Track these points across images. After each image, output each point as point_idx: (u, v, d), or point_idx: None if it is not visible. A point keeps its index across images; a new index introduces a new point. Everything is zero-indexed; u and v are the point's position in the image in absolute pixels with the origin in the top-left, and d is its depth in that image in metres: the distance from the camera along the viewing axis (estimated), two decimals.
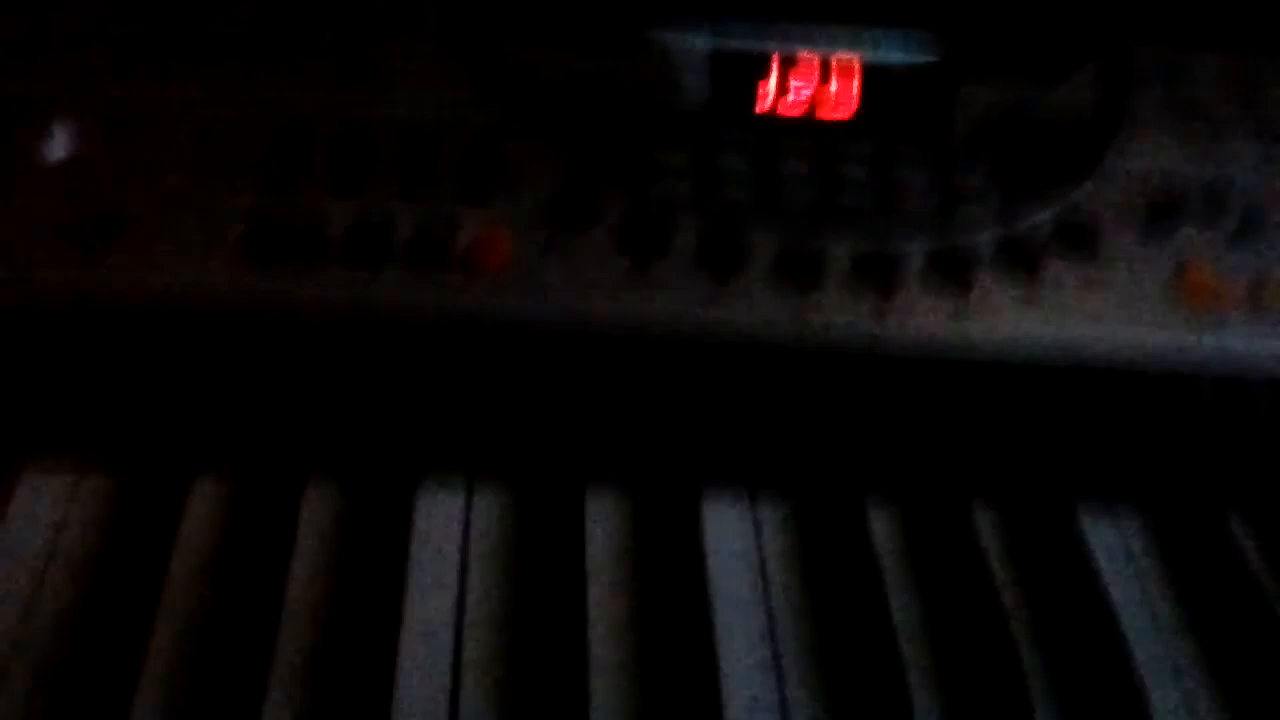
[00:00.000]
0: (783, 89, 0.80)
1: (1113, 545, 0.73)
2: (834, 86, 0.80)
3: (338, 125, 0.73)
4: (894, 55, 0.81)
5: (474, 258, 0.71)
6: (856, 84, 0.80)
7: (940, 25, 0.83)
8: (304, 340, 0.69)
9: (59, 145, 0.71)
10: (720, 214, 0.74)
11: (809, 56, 0.81)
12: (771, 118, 0.79)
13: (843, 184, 0.76)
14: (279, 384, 0.69)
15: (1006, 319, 0.73)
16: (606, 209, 0.73)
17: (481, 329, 0.70)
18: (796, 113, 0.80)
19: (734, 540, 0.70)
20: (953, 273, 0.74)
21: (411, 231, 0.71)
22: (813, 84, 0.80)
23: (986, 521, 0.73)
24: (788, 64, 0.80)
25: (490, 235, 0.71)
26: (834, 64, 0.81)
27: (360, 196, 0.71)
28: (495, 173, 0.73)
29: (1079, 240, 0.76)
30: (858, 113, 0.80)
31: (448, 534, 0.69)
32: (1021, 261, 0.75)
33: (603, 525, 0.70)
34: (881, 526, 0.72)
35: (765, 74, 0.80)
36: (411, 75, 0.76)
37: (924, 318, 0.73)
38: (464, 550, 0.68)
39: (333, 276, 0.69)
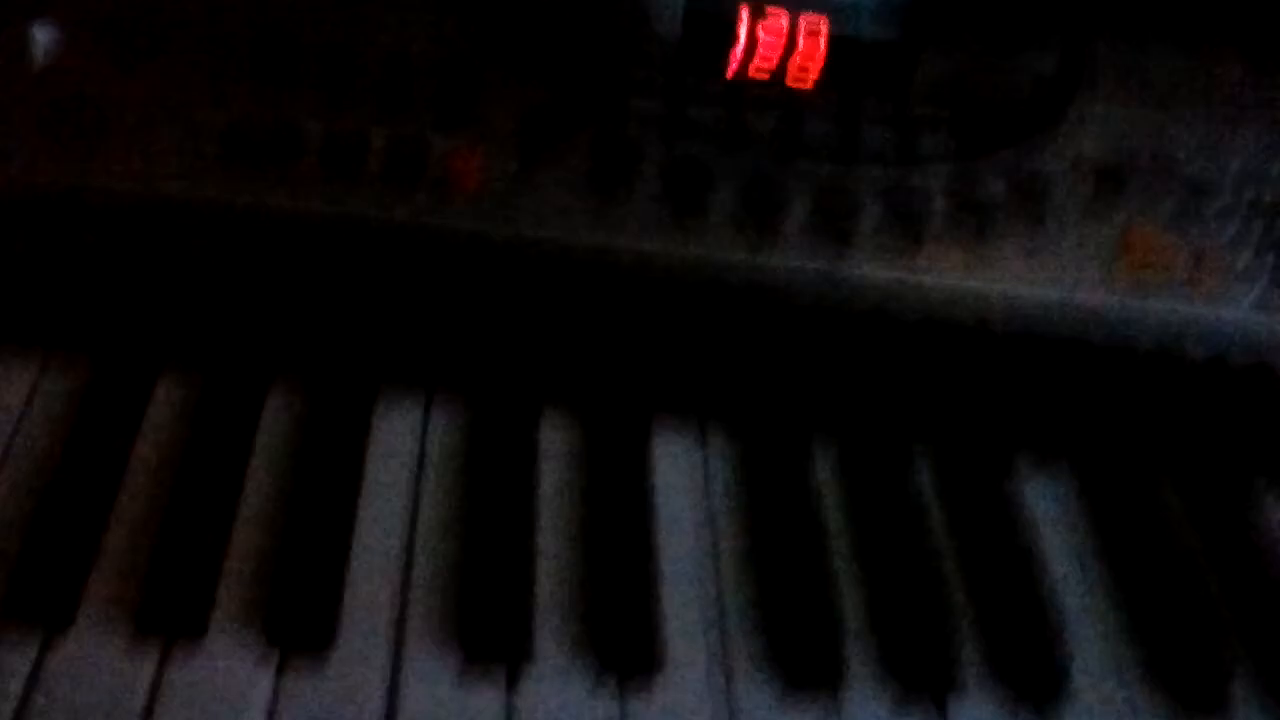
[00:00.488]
0: (751, 46, 0.82)
1: (1046, 499, 0.75)
2: (800, 47, 0.82)
3: (320, 41, 0.74)
4: (860, 20, 0.84)
5: (446, 178, 0.73)
6: (823, 45, 0.83)
7: None
8: (276, 245, 0.70)
9: (45, 46, 0.72)
10: (686, 155, 0.76)
11: (777, 12, 0.83)
12: (740, 75, 0.82)
13: (804, 136, 0.78)
14: (249, 286, 0.71)
15: (956, 272, 0.76)
16: (576, 143, 0.75)
17: (448, 247, 0.72)
18: (766, 67, 0.82)
19: (681, 470, 0.72)
20: (906, 225, 0.76)
21: (386, 147, 0.73)
22: (780, 45, 0.82)
23: (926, 467, 0.75)
24: (757, 15, 0.82)
25: (462, 158, 0.73)
26: (801, 26, 0.83)
27: (339, 111, 0.73)
28: (470, 100, 0.75)
29: (1029, 202, 0.79)
30: (822, 73, 0.82)
31: (404, 443, 0.70)
32: (973, 218, 0.77)
33: (555, 447, 0.72)
34: (825, 466, 0.74)
35: (735, 31, 0.82)
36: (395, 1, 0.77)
37: (877, 267, 0.75)
38: (420, 460, 0.70)
39: (308, 184, 0.71)
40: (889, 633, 0.66)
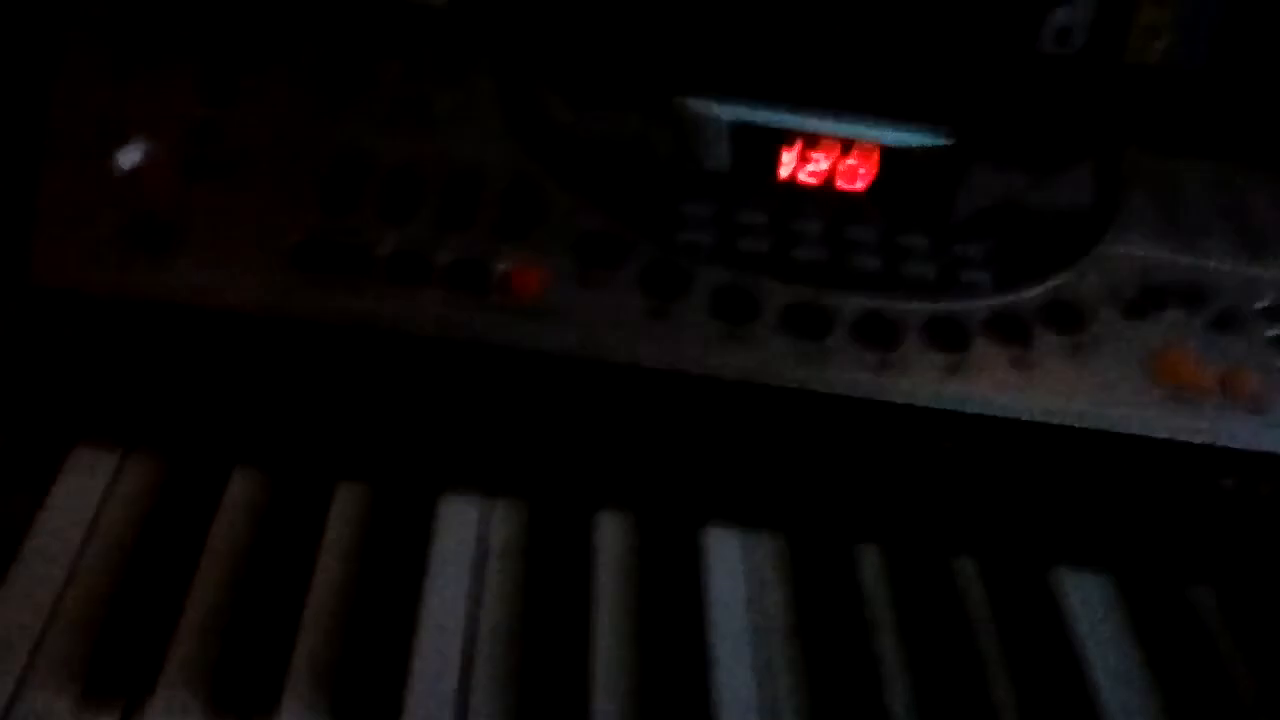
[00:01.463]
0: (803, 160, 0.86)
1: (1086, 601, 0.77)
2: (851, 161, 0.86)
3: (391, 159, 0.79)
4: (909, 139, 0.88)
5: (508, 288, 0.76)
6: (873, 161, 0.87)
7: (951, 117, 0.89)
8: (345, 351, 0.74)
9: (131, 155, 0.76)
10: (737, 265, 0.79)
11: (829, 137, 0.87)
12: (790, 184, 0.86)
13: (852, 247, 0.82)
14: (318, 390, 0.74)
15: (995, 383, 0.78)
16: (633, 253, 0.79)
17: (510, 354, 0.75)
18: (814, 182, 0.86)
19: (731, 569, 0.75)
20: (949, 336, 0.79)
21: (451, 260, 0.76)
22: (831, 159, 0.86)
23: (968, 571, 0.77)
24: (810, 141, 0.86)
25: (524, 269, 0.77)
26: (854, 143, 0.87)
27: (407, 225, 0.77)
28: (532, 214, 0.79)
29: (1066, 318, 0.82)
30: (871, 186, 0.86)
31: (465, 543, 0.73)
32: (1012, 332, 0.80)
33: (611, 546, 0.74)
34: (870, 569, 0.76)
35: (787, 145, 0.86)
36: (461, 121, 0.82)
37: (920, 375, 0.78)
38: (481, 560, 0.72)
39: (376, 294, 0.75)
40: None
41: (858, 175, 0.87)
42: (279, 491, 0.73)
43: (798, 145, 0.87)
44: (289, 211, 0.76)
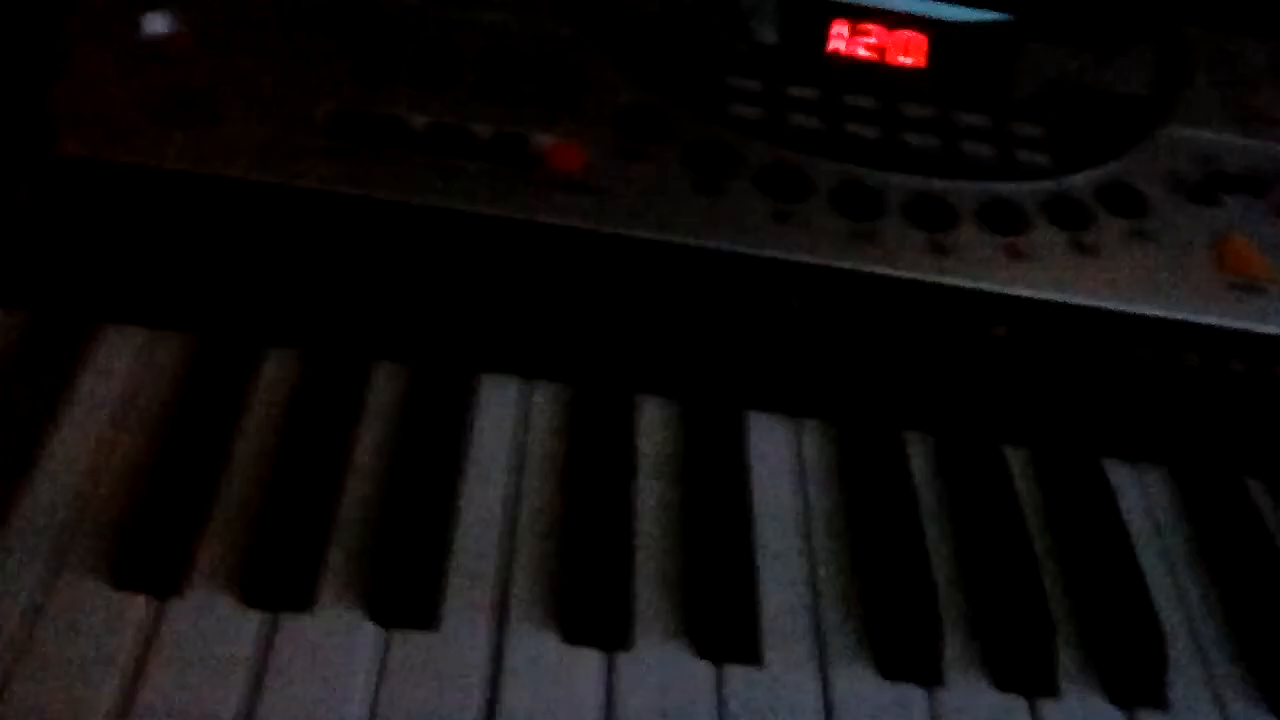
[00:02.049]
0: (854, 35, 0.83)
1: (1140, 493, 0.75)
2: (904, 37, 0.83)
3: (429, 28, 0.76)
4: (963, 15, 0.84)
5: (548, 162, 0.73)
6: (926, 38, 0.83)
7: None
8: (380, 226, 0.71)
9: (157, 34, 0.73)
10: (786, 142, 0.76)
11: (880, 11, 0.84)
12: (841, 59, 0.82)
13: (906, 125, 0.79)
14: (352, 266, 0.71)
15: (1053, 268, 0.76)
16: (678, 129, 0.76)
17: (549, 231, 0.72)
18: (866, 57, 0.83)
19: (776, 458, 0.72)
20: (1005, 219, 0.77)
21: (490, 132, 0.73)
22: (883, 33, 0.83)
23: (1017, 459, 0.75)
24: (861, 15, 0.83)
25: (566, 143, 0.74)
26: (900, 20, 0.84)
27: (443, 96, 0.74)
28: (575, 87, 0.76)
29: (1127, 202, 0.79)
30: (925, 63, 0.83)
31: (505, 426, 0.71)
32: (1071, 216, 0.78)
33: (652, 433, 0.72)
34: (919, 457, 0.74)
35: (837, 18, 0.83)
36: None
37: (975, 258, 0.75)
38: (520, 443, 0.70)
39: (412, 167, 0.72)
40: (987, 628, 0.66)
41: (911, 51, 0.84)
42: (313, 373, 0.70)
43: (848, 19, 0.83)
44: (322, 81, 0.74)
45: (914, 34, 0.84)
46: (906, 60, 0.84)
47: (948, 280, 0.74)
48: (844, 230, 0.75)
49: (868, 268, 0.74)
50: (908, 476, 0.72)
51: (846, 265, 0.74)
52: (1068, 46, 0.86)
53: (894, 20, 0.84)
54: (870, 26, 0.84)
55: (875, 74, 0.83)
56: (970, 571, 0.68)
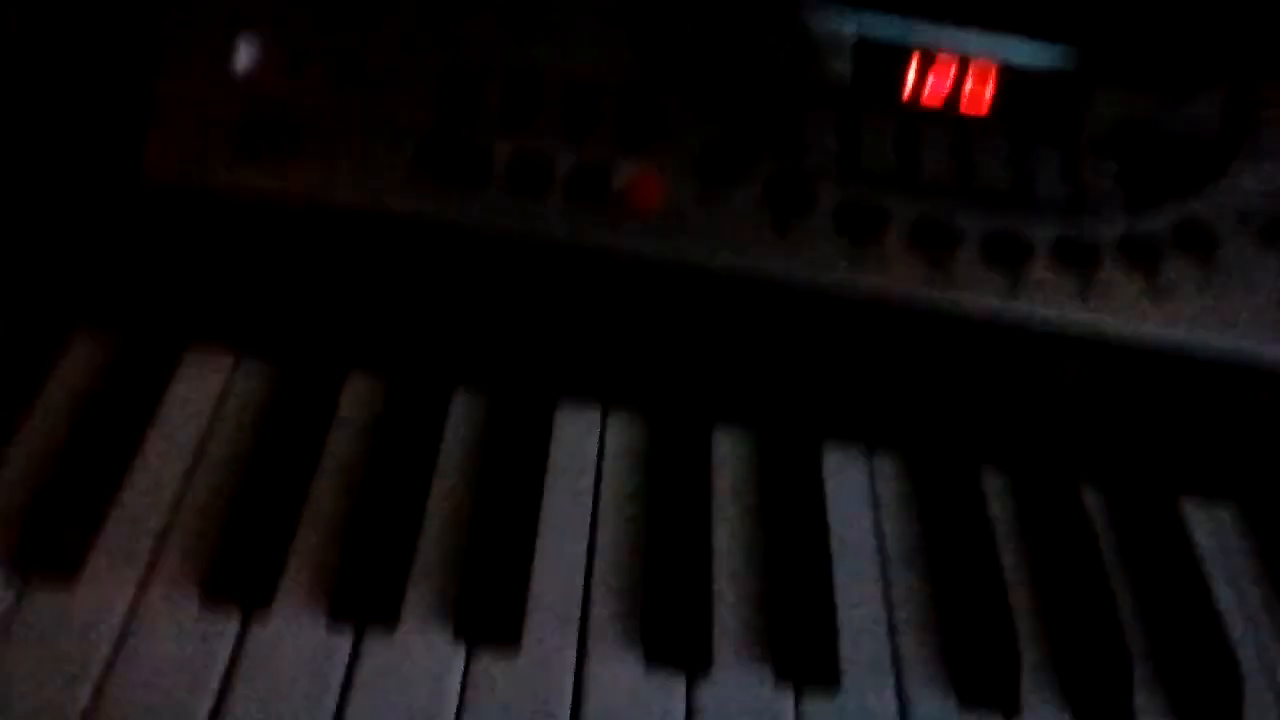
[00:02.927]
0: (922, 80, 0.84)
1: (1213, 532, 0.75)
2: (971, 83, 0.84)
3: (512, 65, 0.77)
4: (1030, 59, 0.85)
5: (628, 199, 0.74)
6: (993, 82, 0.84)
7: (1076, 36, 0.87)
8: (462, 257, 0.72)
9: (248, 59, 0.75)
10: (861, 181, 0.77)
11: (948, 55, 0.85)
12: (912, 105, 0.83)
13: (979, 165, 0.79)
14: (434, 296, 0.72)
15: (1125, 308, 0.76)
16: (754, 169, 0.77)
17: (629, 266, 0.73)
18: (935, 103, 0.84)
19: (852, 489, 0.73)
20: (1077, 260, 0.77)
21: (571, 169, 0.75)
22: (951, 79, 0.84)
23: (1094, 499, 0.75)
24: (928, 59, 0.84)
25: (644, 180, 0.75)
26: (972, 63, 0.85)
27: (527, 132, 0.75)
28: (652, 124, 0.77)
29: (1198, 243, 0.80)
30: (993, 107, 0.84)
31: (585, 451, 0.72)
32: (1143, 256, 0.78)
33: (730, 462, 0.73)
34: (994, 494, 0.74)
35: (907, 65, 0.84)
36: (583, 29, 0.80)
37: (1048, 299, 0.76)
38: (599, 468, 0.71)
39: (495, 201, 0.73)
40: (1066, 659, 0.66)
41: (984, 92, 0.84)
42: (396, 398, 0.71)
43: (921, 61, 0.84)
44: (408, 114, 0.75)
45: (987, 74, 0.85)
46: (980, 99, 0.85)
47: (1020, 315, 0.75)
48: (919, 266, 0.75)
49: (942, 302, 0.75)
50: (984, 510, 0.72)
51: (921, 299, 0.74)
52: (1137, 90, 0.87)
53: (967, 61, 0.85)
54: (944, 67, 0.85)
55: (948, 113, 0.84)
56: (1048, 605, 0.68)
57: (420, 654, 0.61)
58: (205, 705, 0.57)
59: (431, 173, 0.73)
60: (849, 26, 0.84)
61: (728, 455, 0.74)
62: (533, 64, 0.78)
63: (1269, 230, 0.81)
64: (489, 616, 0.62)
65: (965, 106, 0.84)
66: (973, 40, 0.85)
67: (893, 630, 0.67)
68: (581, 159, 0.75)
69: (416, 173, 0.73)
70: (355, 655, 0.61)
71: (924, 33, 0.85)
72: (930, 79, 0.83)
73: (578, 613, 0.64)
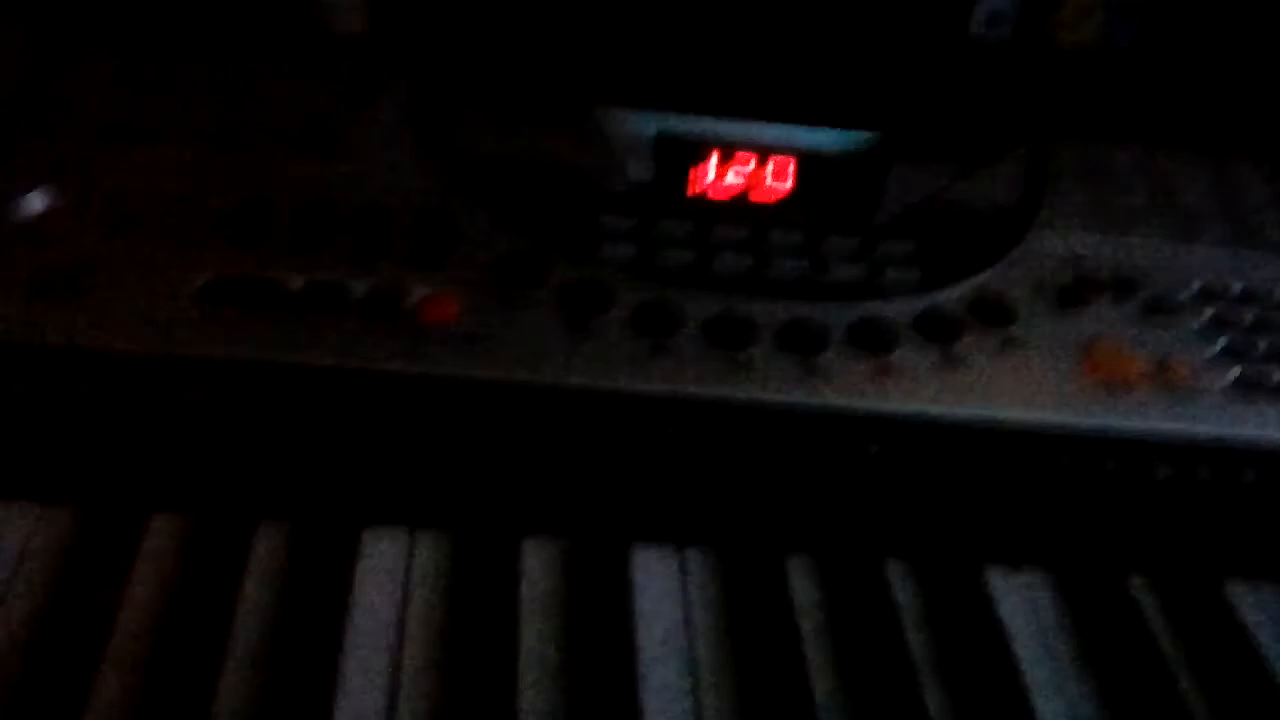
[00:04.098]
0: (724, 169, 0.85)
1: (1022, 601, 0.76)
2: (769, 170, 0.86)
3: (300, 191, 0.78)
4: (827, 145, 0.87)
5: (424, 316, 0.75)
6: (792, 172, 0.86)
7: (874, 116, 0.89)
8: (259, 389, 0.73)
9: (34, 203, 0.75)
10: (658, 280, 0.78)
11: (746, 149, 0.87)
12: (712, 192, 0.85)
13: (774, 255, 0.81)
14: (233, 430, 0.73)
15: (923, 385, 0.78)
16: (551, 273, 0.78)
17: (427, 385, 0.74)
18: (736, 190, 0.86)
19: (661, 589, 0.74)
20: (874, 339, 0.79)
21: (366, 291, 0.75)
22: (752, 166, 0.86)
23: (899, 577, 0.76)
24: (727, 154, 0.86)
25: (440, 295, 0.76)
26: (771, 155, 0.87)
27: (317, 257, 0.76)
28: (447, 238, 0.78)
29: (994, 315, 0.81)
30: (791, 197, 0.85)
31: (390, 577, 0.72)
32: (939, 331, 0.80)
33: (537, 573, 0.73)
34: (801, 580, 0.75)
35: (707, 155, 0.86)
36: (372, 147, 0.81)
37: (846, 380, 0.77)
38: (404, 595, 0.71)
39: (288, 330, 0.73)
40: None
41: (780, 181, 0.86)
42: (198, 535, 0.72)
43: (717, 155, 0.86)
44: (196, 250, 0.76)
45: (783, 162, 0.87)
46: (777, 189, 0.87)
47: (818, 403, 0.76)
48: (717, 361, 0.76)
49: (740, 396, 0.76)
50: (788, 599, 0.73)
51: (720, 395, 0.75)
52: (936, 163, 0.89)
53: (764, 150, 0.87)
54: (741, 157, 0.86)
55: (745, 204, 0.86)
56: (853, 688, 0.69)
57: None
58: None
59: (221, 307, 0.74)
60: (648, 126, 0.85)
61: (536, 567, 0.74)
62: (324, 189, 0.79)
63: (1066, 296, 0.83)
64: None
65: (763, 197, 0.85)
66: (770, 132, 0.87)
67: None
68: (374, 280, 0.76)
69: (206, 308, 0.73)
70: None
71: (723, 128, 0.86)
72: (729, 173, 0.85)
73: None
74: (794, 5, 0.95)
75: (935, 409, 0.77)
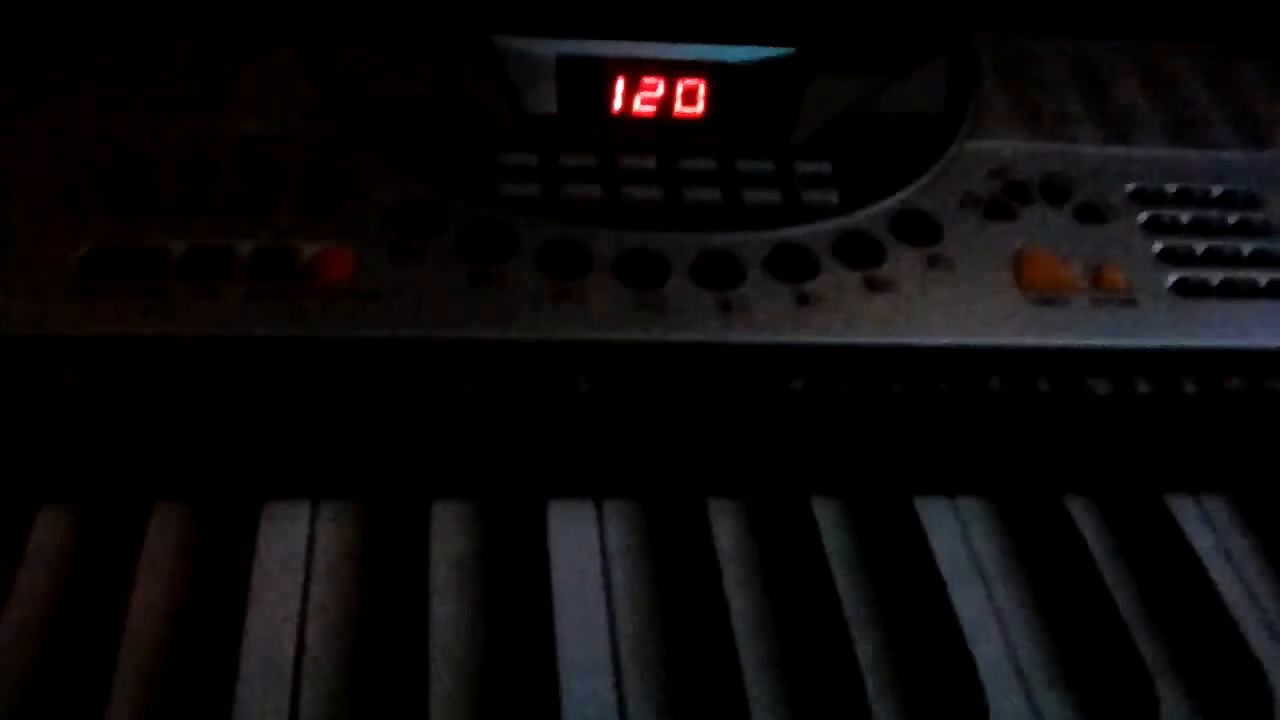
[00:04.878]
0: (631, 91, 0.81)
1: (961, 527, 0.74)
2: (683, 88, 0.82)
3: (183, 146, 0.74)
4: (741, 56, 0.83)
5: (316, 273, 0.72)
6: (706, 85, 0.82)
7: (784, 31, 0.84)
8: (149, 363, 0.69)
9: None
10: (564, 217, 0.75)
11: (657, 63, 0.82)
12: (620, 119, 0.81)
13: (687, 182, 0.77)
14: (123, 407, 0.70)
15: (848, 311, 0.74)
16: (450, 218, 0.75)
17: (324, 345, 0.70)
18: (647, 114, 0.82)
19: (579, 544, 0.71)
20: (795, 266, 0.75)
21: (253, 250, 0.72)
22: (662, 87, 0.82)
23: (828, 511, 0.73)
24: (635, 70, 0.82)
25: (332, 250, 0.73)
26: (684, 67, 0.83)
27: (201, 217, 0.72)
28: (340, 188, 0.75)
29: (921, 230, 0.78)
30: (706, 113, 0.81)
31: (292, 548, 0.69)
32: (863, 253, 0.77)
33: (450, 535, 0.71)
34: (726, 525, 0.73)
35: (613, 77, 0.81)
36: (260, 95, 0.78)
37: (766, 312, 0.74)
38: (308, 564, 0.69)
39: (174, 297, 0.70)
40: (799, 696, 0.65)
41: (692, 100, 0.82)
42: (91, 520, 0.69)
43: (624, 76, 0.82)
44: (75, 220, 0.72)
45: (695, 81, 0.83)
46: (688, 110, 0.83)
47: (737, 339, 0.73)
48: (629, 301, 0.73)
49: (655, 337, 0.72)
50: (711, 549, 0.71)
51: (633, 337, 0.72)
52: (855, 74, 0.85)
53: (674, 69, 0.83)
54: (649, 79, 0.82)
55: (656, 129, 0.82)
56: (783, 634, 0.67)
57: None
58: None
59: (103, 279, 0.70)
60: (548, 53, 0.81)
61: (448, 529, 0.71)
62: (204, 143, 0.75)
63: (994, 207, 0.80)
64: None
65: (674, 118, 0.82)
66: (676, 48, 0.83)
67: (620, 687, 0.65)
68: (262, 239, 0.72)
69: (87, 283, 0.70)
70: None
71: (625, 46, 0.82)
72: (636, 92, 0.81)
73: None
74: None
75: (860, 337, 0.74)
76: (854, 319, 0.74)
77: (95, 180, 0.73)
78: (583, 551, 0.71)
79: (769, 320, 0.74)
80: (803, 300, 0.75)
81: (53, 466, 0.69)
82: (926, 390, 0.74)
